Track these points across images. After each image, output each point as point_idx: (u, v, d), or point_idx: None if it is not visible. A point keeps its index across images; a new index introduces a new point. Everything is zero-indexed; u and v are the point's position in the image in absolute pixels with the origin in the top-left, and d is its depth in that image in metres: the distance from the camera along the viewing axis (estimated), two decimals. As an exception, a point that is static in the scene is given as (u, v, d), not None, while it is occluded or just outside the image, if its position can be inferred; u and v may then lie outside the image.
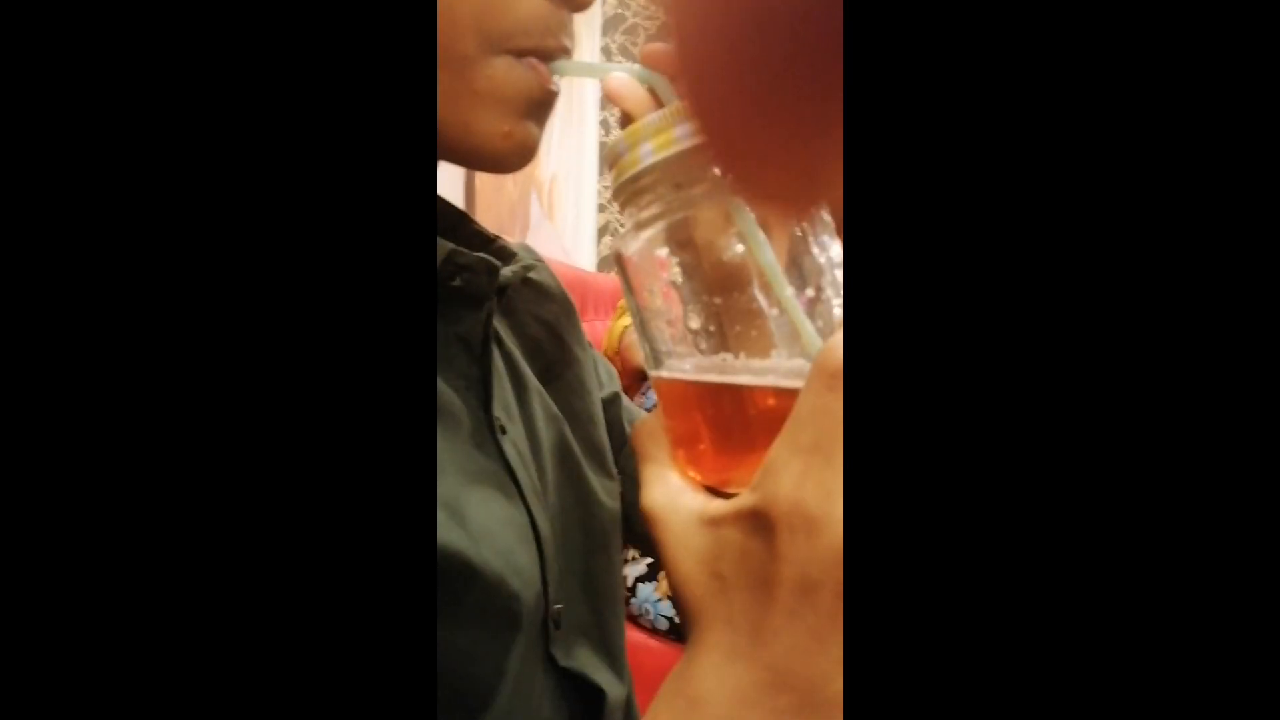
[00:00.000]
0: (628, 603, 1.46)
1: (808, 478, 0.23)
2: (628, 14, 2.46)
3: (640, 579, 1.54)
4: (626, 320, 1.74)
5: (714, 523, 0.25)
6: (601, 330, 1.85)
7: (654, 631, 1.51)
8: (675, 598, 0.26)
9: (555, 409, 0.46)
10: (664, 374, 0.28)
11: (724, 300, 0.27)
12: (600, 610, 0.43)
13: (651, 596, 1.52)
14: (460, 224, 0.46)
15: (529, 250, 0.49)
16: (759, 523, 0.24)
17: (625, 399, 0.55)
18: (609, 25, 2.46)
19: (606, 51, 2.46)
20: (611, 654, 0.43)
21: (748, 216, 0.26)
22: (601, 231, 2.47)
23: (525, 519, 0.37)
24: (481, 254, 0.38)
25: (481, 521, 0.34)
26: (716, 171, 0.26)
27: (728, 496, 0.26)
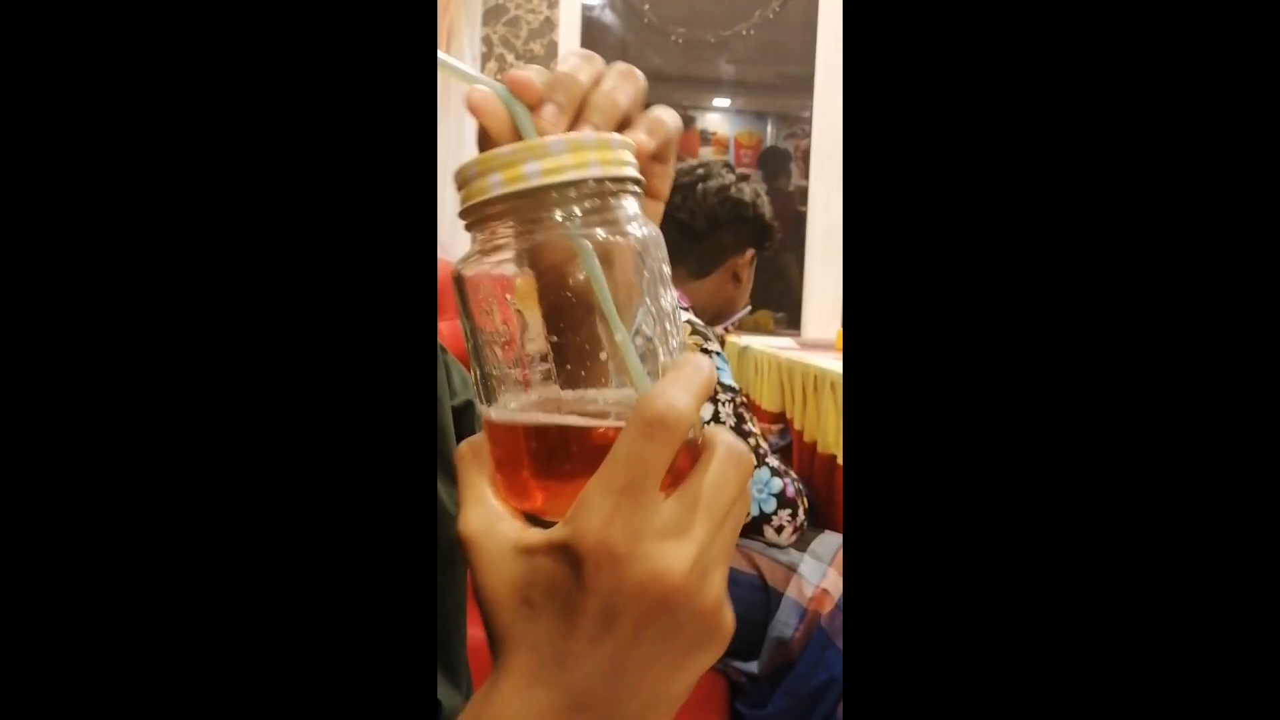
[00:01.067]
0: None
1: (616, 517, 0.25)
2: (510, 5, 2.39)
3: None
4: None
5: (527, 551, 0.26)
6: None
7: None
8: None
9: None
10: (492, 412, 0.29)
11: (561, 330, 0.28)
12: (442, 626, 0.43)
13: None
14: None
15: None
16: (569, 555, 0.25)
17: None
18: (490, 15, 2.39)
19: (488, 41, 2.39)
20: (449, 666, 0.43)
21: (591, 256, 0.28)
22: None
23: None
24: None
25: None
26: (558, 215, 0.28)
27: (545, 524, 0.27)
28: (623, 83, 0.33)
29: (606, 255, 0.28)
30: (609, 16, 3.24)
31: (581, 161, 0.27)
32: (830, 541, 1.17)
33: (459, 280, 0.29)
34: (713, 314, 1.45)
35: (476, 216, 0.28)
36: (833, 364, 1.42)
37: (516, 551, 0.26)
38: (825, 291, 2.32)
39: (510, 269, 0.28)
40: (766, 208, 1.43)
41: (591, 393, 0.28)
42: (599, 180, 0.28)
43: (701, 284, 1.41)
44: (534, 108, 0.31)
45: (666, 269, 0.30)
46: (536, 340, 0.28)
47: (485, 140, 0.33)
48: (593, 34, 2.56)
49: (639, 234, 0.29)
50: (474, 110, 0.32)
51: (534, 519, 0.28)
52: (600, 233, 0.28)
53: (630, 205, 0.29)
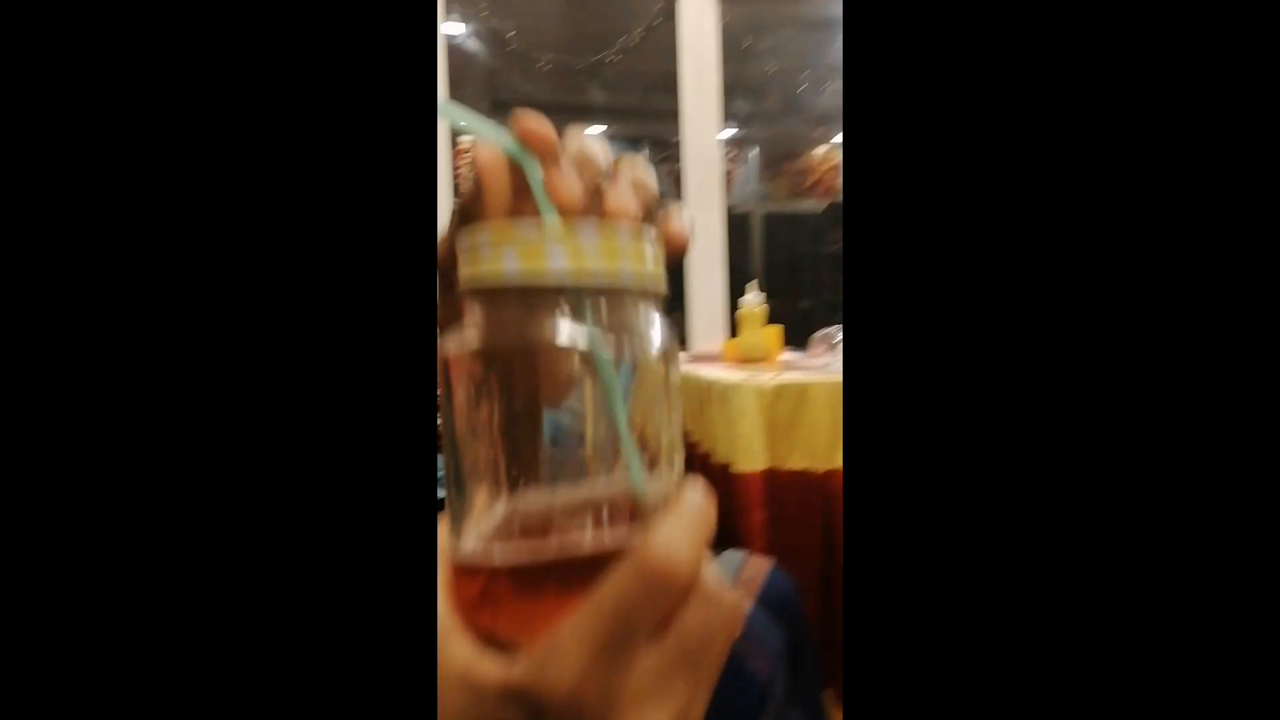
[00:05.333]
0: None
1: (594, 674, 0.21)
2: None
3: None
4: None
5: (477, 686, 0.22)
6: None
7: None
8: None
9: None
10: (469, 545, 0.24)
11: (521, 430, 0.25)
12: None
13: None
14: None
15: None
16: (529, 706, 0.22)
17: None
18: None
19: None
20: None
21: (611, 370, 0.24)
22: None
23: None
24: None
25: None
26: (586, 320, 0.24)
27: (502, 645, 0.23)
28: (641, 188, 0.30)
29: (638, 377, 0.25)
30: (474, 45, 3.23)
31: (613, 261, 0.23)
32: (730, 563, 1.16)
33: (445, 359, 0.25)
34: None
35: (480, 294, 0.25)
36: (721, 375, 1.46)
37: (464, 683, 0.23)
38: (708, 305, 2.38)
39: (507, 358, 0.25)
40: None
41: (576, 488, 0.25)
42: (632, 294, 0.24)
43: None
44: (546, 164, 0.27)
45: (679, 377, 0.26)
46: (521, 436, 0.25)
47: (474, 201, 0.29)
48: (459, 62, 2.54)
49: (662, 347, 0.25)
50: (480, 170, 0.28)
51: (491, 637, 0.24)
52: (621, 348, 0.24)
53: (655, 315, 0.26)
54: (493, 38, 3.07)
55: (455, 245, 0.26)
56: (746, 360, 1.80)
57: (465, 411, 0.25)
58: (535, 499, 0.25)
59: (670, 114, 2.50)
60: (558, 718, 0.22)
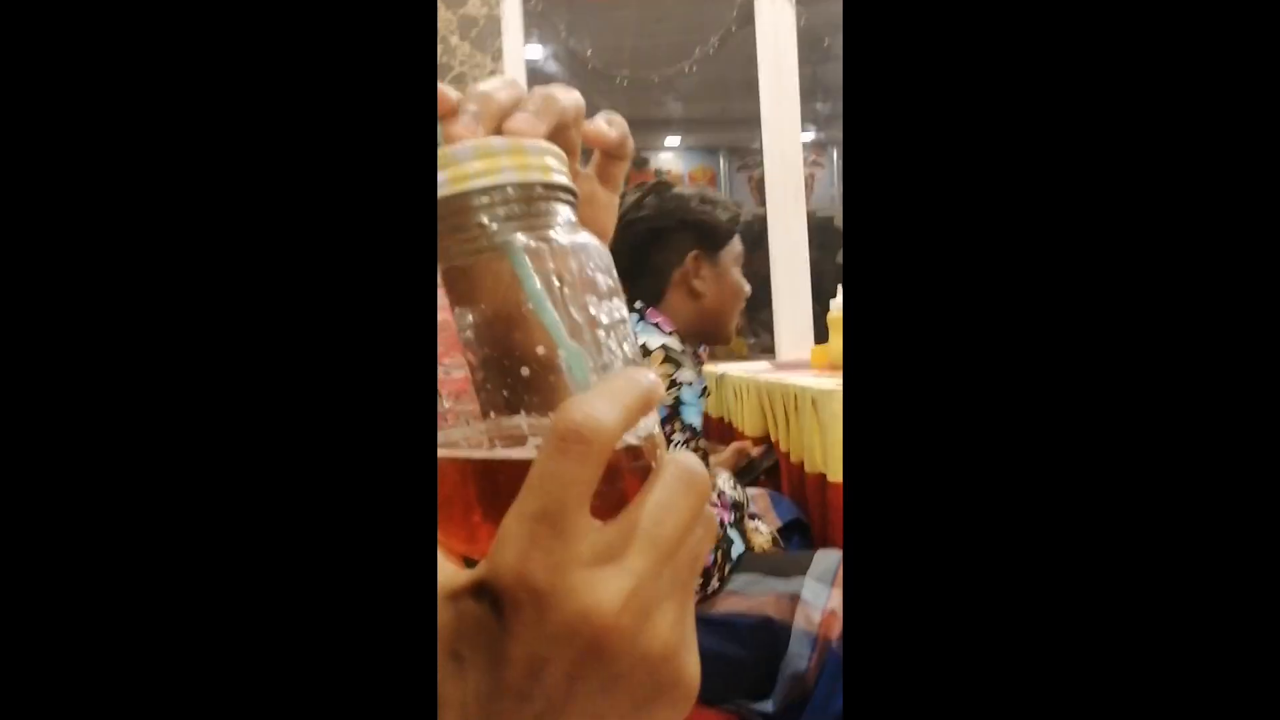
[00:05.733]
0: None
1: (534, 548, 0.22)
2: (455, 63, 2.43)
3: None
4: None
5: (453, 596, 0.23)
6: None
7: None
8: None
9: None
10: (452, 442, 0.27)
11: (491, 356, 0.26)
12: None
13: None
14: None
15: None
16: (488, 595, 0.22)
17: None
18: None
19: (436, 103, 2.42)
20: None
21: (522, 257, 0.25)
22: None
23: None
24: None
25: None
26: (486, 220, 0.26)
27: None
28: (546, 104, 0.31)
29: (535, 262, 0.25)
30: (553, 67, 3.30)
31: (492, 168, 0.25)
32: (828, 560, 1.16)
33: None
34: (704, 333, 1.32)
35: None
36: (811, 382, 1.43)
37: (444, 598, 0.23)
38: (795, 313, 2.35)
39: (446, 301, 0.26)
40: (716, 207, 1.30)
41: (528, 419, 0.26)
42: (517, 186, 0.26)
43: (665, 305, 1.29)
44: (445, 119, 0.29)
45: (607, 279, 0.27)
46: (487, 371, 0.26)
47: None
48: (538, 85, 2.62)
49: (565, 240, 0.26)
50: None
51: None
52: (521, 237, 0.25)
53: (561, 212, 0.27)
54: (571, 58, 3.13)
55: None
56: (836, 366, 1.76)
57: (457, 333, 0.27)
58: (489, 424, 0.26)
59: (750, 120, 2.48)
60: (512, 600, 0.22)
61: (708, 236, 1.29)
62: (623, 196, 1.40)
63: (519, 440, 0.25)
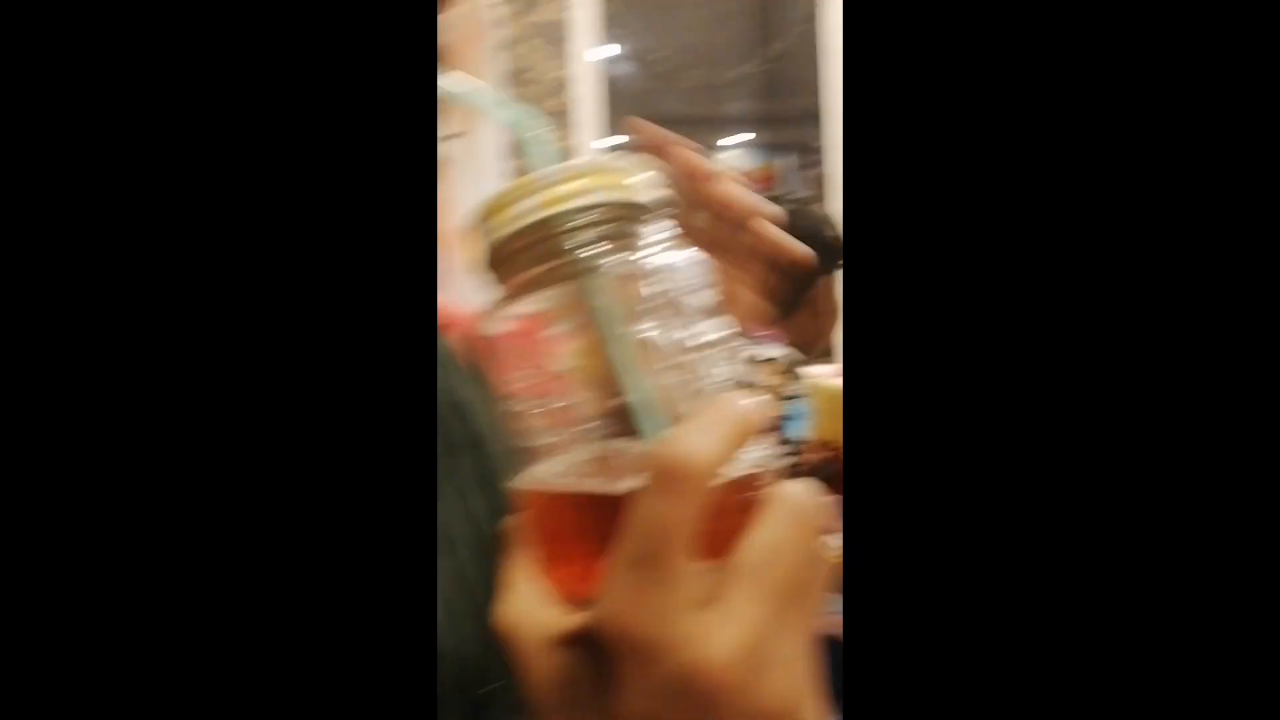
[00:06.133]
0: None
1: (638, 596, 0.21)
2: (526, 67, 2.51)
3: None
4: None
5: (559, 643, 0.23)
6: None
7: None
8: None
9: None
10: (529, 479, 0.26)
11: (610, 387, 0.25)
12: None
13: None
14: None
15: None
16: (596, 647, 0.22)
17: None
18: (508, 79, 2.51)
19: (508, 104, 2.50)
20: None
21: (603, 298, 0.24)
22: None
23: None
24: None
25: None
26: (572, 245, 0.25)
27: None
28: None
29: (617, 290, 0.24)
30: (621, 69, 3.37)
31: (580, 190, 0.25)
32: None
33: (482, 340, 0.27)
34: (809, 347, 1.34)
35: (488, 269, 0.26)
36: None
37: (554, 644, 0.23)
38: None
39: (531, 321, 0.26)
40: (830, 225, 1.34)
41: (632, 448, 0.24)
42: (605, 207, 0.25)
43: (789, 323, 1.30)
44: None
45: (703, 298, 0.26)
46: (591, 404, 0.25)
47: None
48: (606, 88, 2.68)
49: (652, 262, 0.25)
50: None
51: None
52: (603, 263, 0.25)
53: (648, 233, 0.26)
54: (639, 60, 3.18)
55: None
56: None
57: (511, 386, 0.26)
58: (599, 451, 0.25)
59: (811, 118, 2.50)
60: (618, 652, 0.21)
61: (831, 257, 1.31)
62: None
63: (625, 472, 0.24)
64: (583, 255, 0.25)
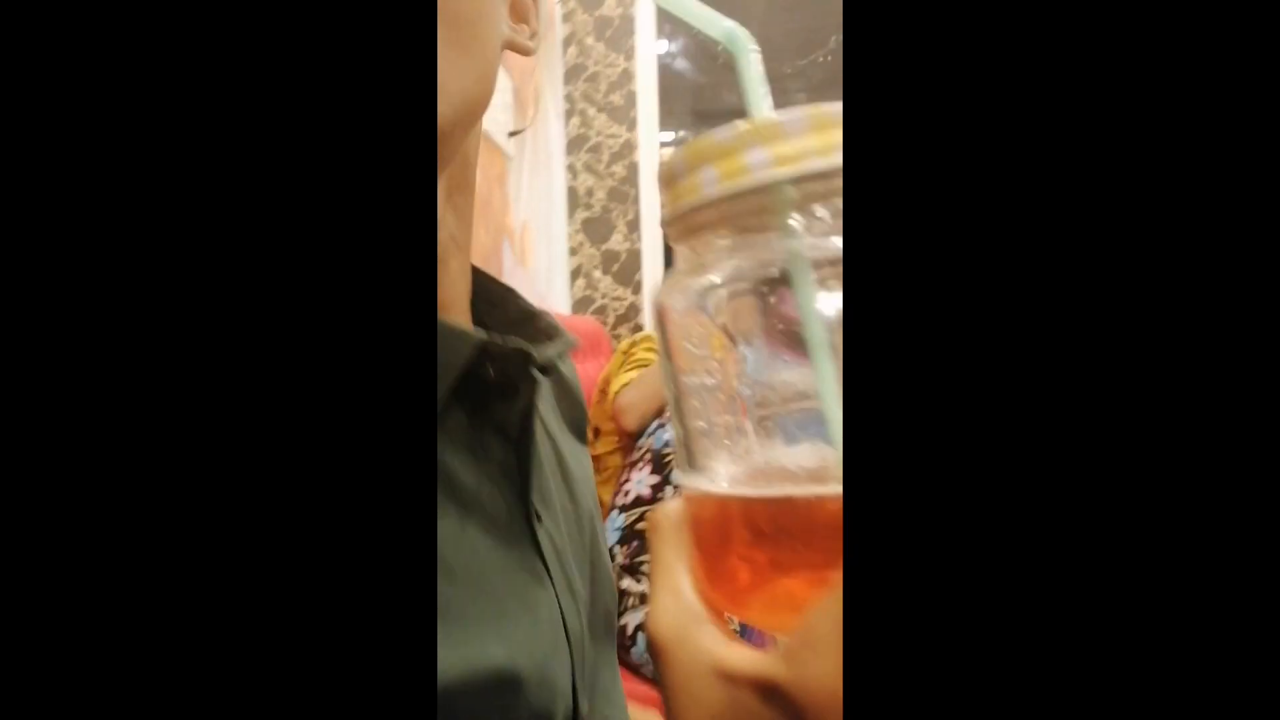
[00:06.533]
0: (629, 651, 1.44)
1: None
2: (589, 62, 2.52)
3: (640, 627, 1.52)
4: (626, 377, 1.69)
5: (731, 679, 0.21)
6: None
7: (655, 682, 1.50)
8: None
9: (588, 495, 0.47)
10: (696, 481, 0.23)
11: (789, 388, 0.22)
12: (601, 704, 0.44)
13: None
14: (505, 299, 0.46)
15: (564, 333, 0.44)
16: (785, 704, 0.20)
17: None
18: (571, 74, 2.52)
19: (570, 98, 2.52)
20: None
21: (808, 276, 0.20)
22: (574, 275, 2.49)
23: (558, 616, 0.38)
24: (517, 343, 0.36)
25: (523, 631, 0.35)
26: (793, 220, 0.21)
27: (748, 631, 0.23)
28: None
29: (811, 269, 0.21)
30: (683, 63, 3.35)
31: (827, 145, 0.20)
32: None
33: (660, 312, 0.23)
34: None
35: (682, 227, 0.22)
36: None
37: (717, 675, 0.21)
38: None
39: (724, 294, 0.22)
40: None
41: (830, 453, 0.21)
42: (831, 174, 0.20)
43: None
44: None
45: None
46: (764, 393, 0.22)
47: None
48: (669, 81, 2.67)
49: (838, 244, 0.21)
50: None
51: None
52: (812, 245, 0.21)
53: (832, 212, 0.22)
54: (701, 53, 3.17)
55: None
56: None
57: (683, 366, 0.23)
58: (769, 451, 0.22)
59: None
60: (820, 717, 0.19)
61: None
62: None
63: (791, 477, 0.21)
64: (796, 228, 0.21)
